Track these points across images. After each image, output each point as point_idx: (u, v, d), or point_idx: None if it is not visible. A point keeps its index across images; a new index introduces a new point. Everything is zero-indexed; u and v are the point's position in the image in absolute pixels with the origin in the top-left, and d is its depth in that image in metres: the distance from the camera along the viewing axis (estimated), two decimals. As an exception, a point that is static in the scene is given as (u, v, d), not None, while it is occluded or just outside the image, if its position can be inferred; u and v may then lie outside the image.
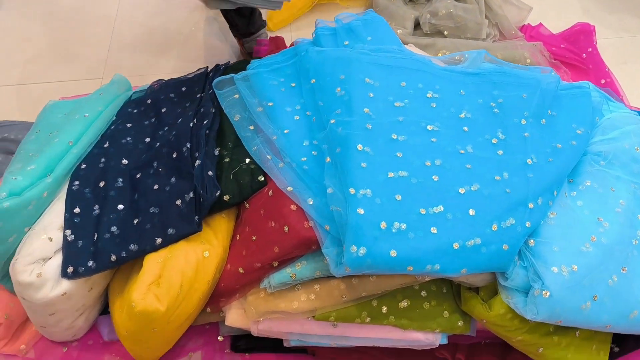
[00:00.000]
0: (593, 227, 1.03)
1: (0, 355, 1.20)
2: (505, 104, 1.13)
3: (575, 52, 1.60)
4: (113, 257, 1.06)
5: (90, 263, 1.06)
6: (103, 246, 1.07)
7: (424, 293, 1.05)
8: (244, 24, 1.64)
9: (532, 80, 1.17)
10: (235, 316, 1.10)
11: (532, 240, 1.00)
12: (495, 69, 1.19)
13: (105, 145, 1.23)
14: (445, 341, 1.09)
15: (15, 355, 1.21)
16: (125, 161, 1.20)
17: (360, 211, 0.94)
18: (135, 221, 1.09)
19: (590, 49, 1.62)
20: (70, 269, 1.05)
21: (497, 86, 1.16)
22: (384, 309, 1.03)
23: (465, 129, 1.09)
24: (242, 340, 1.20)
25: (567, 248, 0.99)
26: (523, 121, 1.10)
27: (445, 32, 1.66)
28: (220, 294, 1.09)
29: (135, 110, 1.33)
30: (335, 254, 0.96)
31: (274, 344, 1.18)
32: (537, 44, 1.54)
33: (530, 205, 1.00)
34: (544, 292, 0.94)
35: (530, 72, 1.20)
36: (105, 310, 1.23)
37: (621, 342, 1.11)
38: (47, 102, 1.38)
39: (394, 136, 1.05)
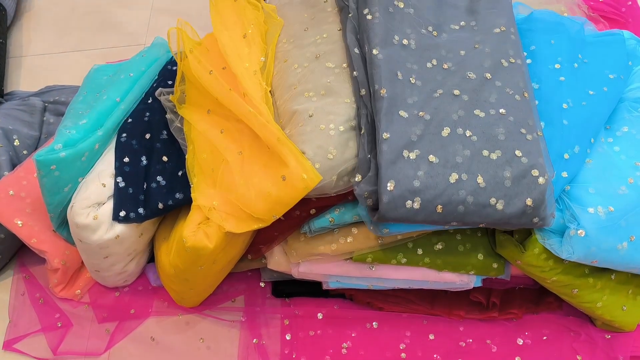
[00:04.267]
0: (630, 170, 1.03)
1: (58, 298, 1.29)
2: (537, 52, 1.13)
3: (614, 5, 1.58)
4: (160, 205, 1.12)
5: (140, 210, 1.13)
6: (151, 195, 1.14)
7: (458, 236, 1.08)
8: None
9: (558, 25, 1.17)
10: (278, 259, 1.15)
11: (567, 185, 1.01)
12: (522, 18, 1.19)
13: (149, 101, 1.29)
14: (479, 284, 1.12)
15: (72, 299, 1.29)
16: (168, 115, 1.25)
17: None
18: (180, 173, 1.15)
19: (629, 2, 1.59)
20: (122, 213, 1.12)
21: (525, 34, 1.16)
22: (419, 251, 1.06)
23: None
24: (283, 286, 1.26)
25: (603, 190, 1.00)
26: (557, 65, 1.10)
27: (481, -10, 1.65)
28: (260, 241, 1.14)
29: (174, 68, 1.38)
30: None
31: (313, 290, 1.23)
32: (575, -2, 1.53)
33: (566, 156, 1.01)
34: (579, 232, 0.95)
35: (555, 17, 1.19)
36: (151, 259, 1.30)
37: (658, 287, 1.11)
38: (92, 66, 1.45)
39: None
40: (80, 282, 1.31)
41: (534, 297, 1.19)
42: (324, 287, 1.18)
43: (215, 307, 1.26)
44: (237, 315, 1.24)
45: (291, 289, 1.25)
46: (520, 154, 0.94)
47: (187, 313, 1.26)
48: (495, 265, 1.08)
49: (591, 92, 1.10)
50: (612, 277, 1.07)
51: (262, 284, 1.26)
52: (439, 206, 0.91)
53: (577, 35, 1.18)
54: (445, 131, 0.97)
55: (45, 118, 1.53)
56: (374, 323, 1.20)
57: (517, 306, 1.17)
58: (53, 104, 1.57)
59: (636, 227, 0.98)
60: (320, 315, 1.20)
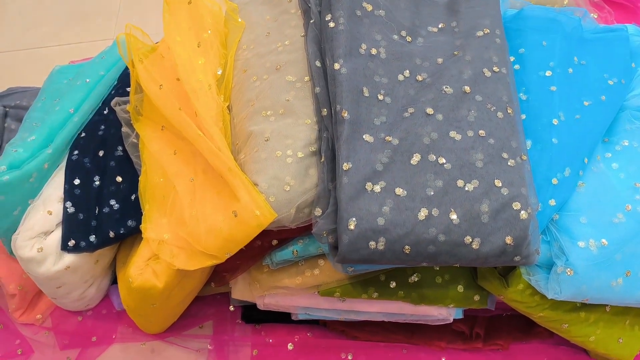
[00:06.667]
0: (629, 193, 0.91)
1: (18, 324, 1.22)
2: (527, 56, 0.99)
3: (622, -12, 1.42)
4: (112, 234, 1.03)
5: (92, 238, 1.03)
6: (103, 221, 1.04)
7: (436, 267, 0.98)
8: None
9: (552, 23, 1.02)
10: (242, 289, 1.07)
11: (556, 213, 0.89)
12: (511, 16, 1.05)
13: (105, 112, 1.18)
14: (460, 316, 1.02)
15: (33, 324, 1.22)
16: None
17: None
18: (133, 196, 1.05)
19: (640, -16, 1.43)
20: (71, 243, 1.03)
21: (514, 35, 1.02)
22: (393, 284, 0.97)
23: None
24: (254, 311, 1.17)
25: (596, 219, 0.88)
26: (548, 72, 0.97)
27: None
28: (223, 269, 1.04)
29: (137, 72, 1.27)
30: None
31: (285, 315, 1.14)
32: (577, -19, 1.37)
33: (555, 181, 0.88)
34: (567, 270, 0.85)
35: (549, 13, 1.04)
36: (116, 280, 1.22)
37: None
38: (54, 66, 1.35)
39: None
40: (42, 306, 1.23)
41: (522, 324, 1.09)
42: (293, 317, 1.09)
43: (182, 334, 1.18)
44: (205, 343, 1.16)
45: (262, 314, 1.16)
46: (501, 184, 0.83)
47: (153, 340, 1.18)
48: (477, 298, 0.98)
49: (586, 103, 0.96)
50: (607, 309, 0.97)
51: (231, 308, 1.17)
52: (407, 247, 0.81)
53: (573, 33, 1.04)
54: (415, 158, 0.85)
55: (6, 124, 1.42)
56: (349, 354, 1.11)
57: (504, 335, 1.08)
58: (14, 108, 1.46)
59: (633, 261, 0.87)
60: (291, 346, 1.12)
